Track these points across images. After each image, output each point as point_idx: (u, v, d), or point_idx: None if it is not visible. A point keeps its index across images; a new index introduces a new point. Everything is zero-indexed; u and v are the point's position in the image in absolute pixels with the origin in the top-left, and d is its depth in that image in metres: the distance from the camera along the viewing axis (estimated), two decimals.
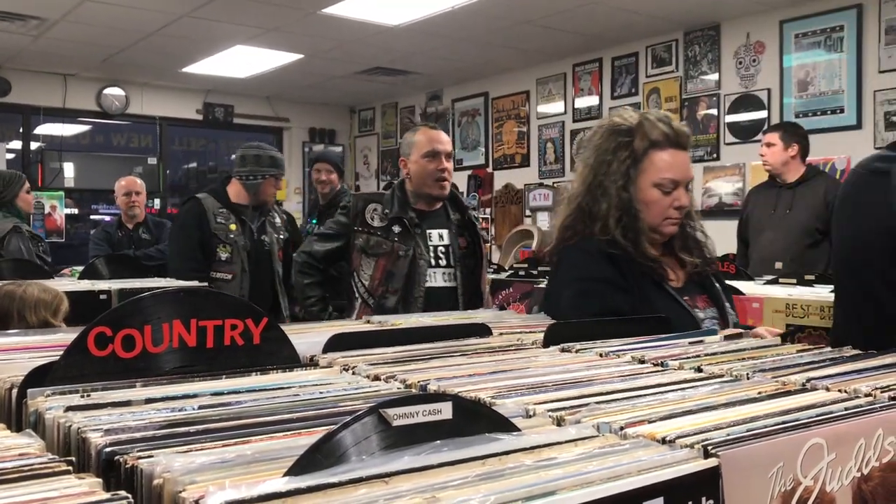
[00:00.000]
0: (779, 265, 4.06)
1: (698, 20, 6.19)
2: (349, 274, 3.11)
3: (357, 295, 3.05)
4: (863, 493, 0.74)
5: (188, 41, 6.76)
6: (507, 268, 4.34)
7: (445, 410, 0.63)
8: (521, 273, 3.68)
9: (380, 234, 3.00)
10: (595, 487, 0.54)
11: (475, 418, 0.65)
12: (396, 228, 2.99)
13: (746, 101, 6.07)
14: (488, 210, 8.25)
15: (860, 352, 1.19)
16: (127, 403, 0.80)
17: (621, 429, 0.72)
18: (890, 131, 5.23)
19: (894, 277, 1.94)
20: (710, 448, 0.64)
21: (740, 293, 2.59)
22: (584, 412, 0.78)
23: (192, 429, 0.70)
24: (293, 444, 0.64)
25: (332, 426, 0.72)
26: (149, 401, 0.81)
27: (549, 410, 0.79)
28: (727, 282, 2.71)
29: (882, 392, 0.89)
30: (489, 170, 8.38)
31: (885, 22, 5.28)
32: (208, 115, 9.04)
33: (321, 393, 0.88)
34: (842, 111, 5.49)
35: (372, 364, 1.06)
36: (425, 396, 0.63)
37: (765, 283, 2.95)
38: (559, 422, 0.76)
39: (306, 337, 1.19)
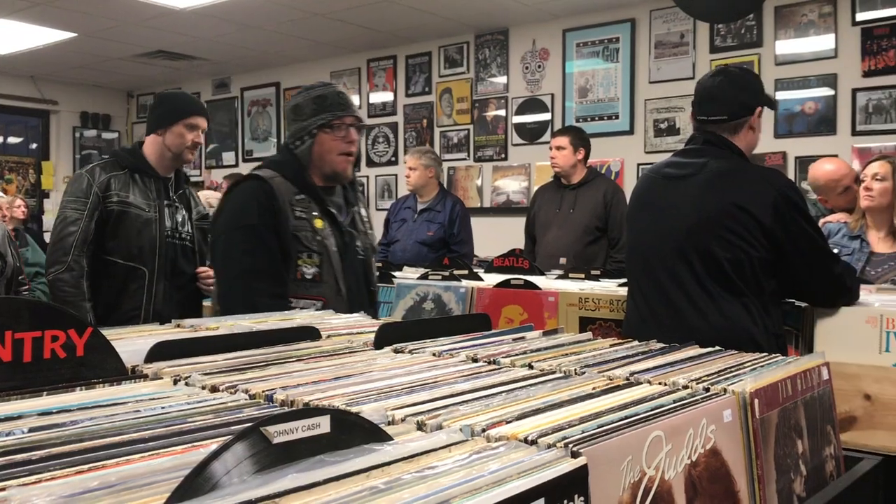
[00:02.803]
0: (563, 261, 4.32)
1: (488, 24, 6.45)
2: None
3: None
4: (692, 477, 0.81)
5: None
6: None
7: (324, 424, 0.62)
8: None
9: None
10: (486, 494, 0.56)
11: (351, 430, 0.65)
12: None
13: (532, 105, 6.41)
14: None
15: (664, 345, 1.31)
16: None
17: (483, 430, 0.74)
18: (658, 137, 5.74)
19: (682, 274, 2.15)
20: (573, 447, 0.68)
21: (537, 287, 2.74)
22: (443, 415, 0.79)
23: (32, 455, 0.63)
24: (158, 467, 0.60)
25: (191, 444, 0.69)
26: None
27: (408, 416, 0.80)
28: (526, 277, 2.86)
29: (697, 384, 0.98)
30: None
31: (655, 37, 5.79)
32: None
33: (163, 408, 0.82)
34: (617, 117, 5.96)
35: (206, 374, 1.01)
36: (303, 411, 0.61)
37: (556, 278, 3.13)
38: (421, 426, 0.77)
39: (123, 345, 1.12)
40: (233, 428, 0.73)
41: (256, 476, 0.57)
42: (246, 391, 0.92)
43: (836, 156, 4.72)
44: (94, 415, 0.78)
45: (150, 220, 2.94)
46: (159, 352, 1.12)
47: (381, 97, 7.36)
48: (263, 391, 0.91)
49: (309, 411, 0.61)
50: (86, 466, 0.61)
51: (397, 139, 7.27)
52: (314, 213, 2.30)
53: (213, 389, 0.94)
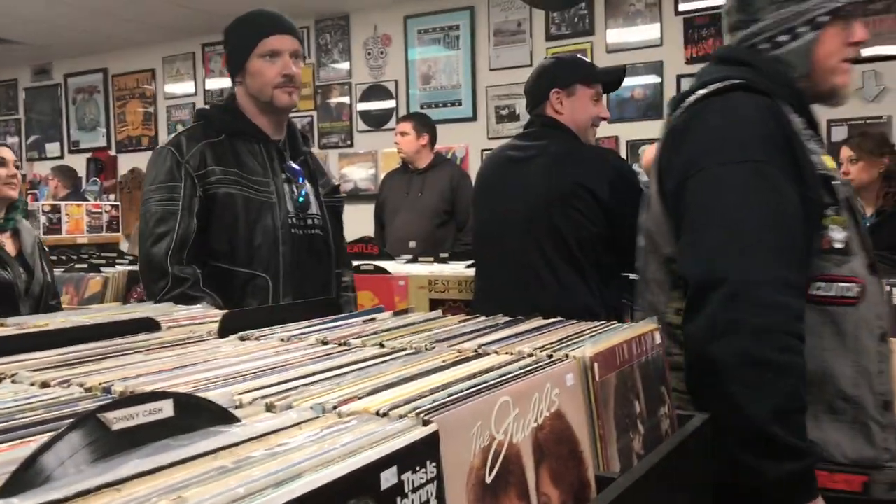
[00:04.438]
0: (412, 244, 4.37)
1: (328, 9, 6.37)
2: None
3: None
4: (538, 439, 0.85)
5: None
6: None
7: (167, 408, 0.60)
8: None
9: None
10: (338, 465, 0.55)
11: (196, 413, 0.63)
12: None
13: (376, 91, 6.40)
14: (112, 196, 7.68)
15: (510, 318, 1.35)
16: None
17: (334, 407, 0.74)
18: (500, 123, 5.89)
19: (527, 252, 2.22)
20: (424, 416, 0.68)
21: (387, 272, 2.75)
22: (293, 396, 0.78)
23: None
24: None
25: (20, 441, 0.64)
26: None
27: (257, 399, 0.78)
28: (376, 263, 2.86)
29: (541, 351, 1.02)
30: (112, 153, 7.80)
31: (494, 25, 5.92)
32: None
33: None
34: (460, 104, 6.06)
35: (35, 370, 0.94)
36: (144, 396, 0.59)
37: (406, 262, 3.16)
38: (270, 408, 0.76)
39: None
40: (67, 421, 0.69)
41: (95, 465, 0.54)
42: (81, 385, 0.87)
43: None
44: None
45: (266, 205, 2.06)
46: None
47: (218, 83, 7.13)
48: (100, 383, 0.86)
49: (150, 395, 0.59)
50: None
51: None
52: (821, 148, 1.48)
53: (44, 385, 0.88)
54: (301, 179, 2.15)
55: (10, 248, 2.74)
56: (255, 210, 2.03)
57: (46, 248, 3.01)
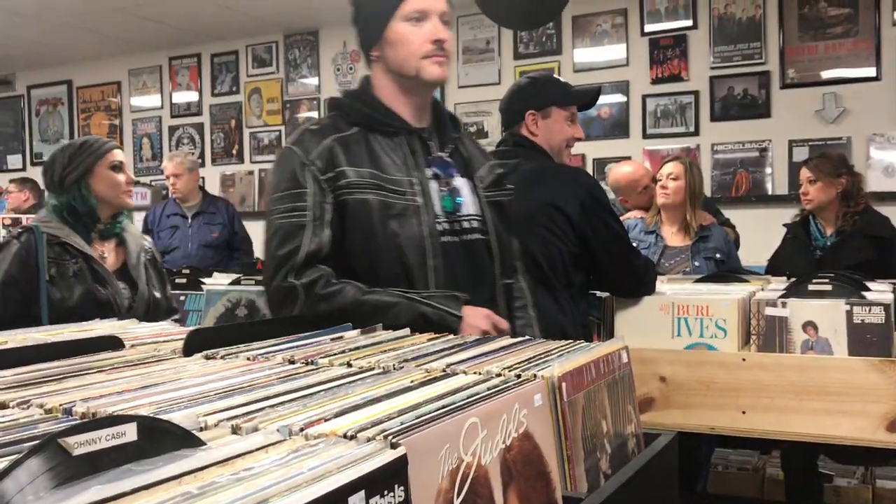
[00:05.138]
0: None
1: (297, 25, 6.36)
2: None
3: None
4: (507, 461, 0.84)
5: None
6: None
7: (130, 432, 0.58)
8: None
9: None
10: (305, 490, 0.55)
11: (159, 437, 0.62)
12: None
13: None
14: None
15: (478, 337, 1.35)
16: None
17: (301, 430, 0.73)
18: None
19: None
20: (392, 439, 0.68)
21: None
22: (259, 417, 0.77)
23: None
24: None
25: None
26: None
27: (222, 420, 0.77)
28: None
29: (509, 371, 1.02)
30: None
31: (462, 42, 5.96)
32: None
33: None
34: None
35: None
36: (106, 419, 0.57)
37: None
38: (236, 430, 0.75)
39: None
40: (27, 444, 0.67)
41: (55, 491, 0.53)
42: (41, 406, 0.85)
43: (629, 158, 5.08)
44: None
45: (411, 210, 1.68)
46: None
47: (185, 97, 7.07)
48: (61, 404, 0.85)
49: (112, 419, 0.58)
50: None
51: (203, 140, 7.00)
52: None
53: (2, 406, 0.86)
54: (453, 174, 1.77)
55: (112, 259, 2.47)
56: (395, 218, 1.66)
57: (158, 258, 2.71)
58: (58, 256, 2.36)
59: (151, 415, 0.80)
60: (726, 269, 3.09)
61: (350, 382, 0.96)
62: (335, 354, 1.16)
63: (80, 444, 0.54)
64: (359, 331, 1.41)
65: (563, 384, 0.99)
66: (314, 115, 6.51)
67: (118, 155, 2.52)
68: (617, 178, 4.10)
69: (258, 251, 5.21)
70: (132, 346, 1.29)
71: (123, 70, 7.31)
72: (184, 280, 3.06)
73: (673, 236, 3.52)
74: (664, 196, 3.51)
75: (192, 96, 7.03)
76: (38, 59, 7.36)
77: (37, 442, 0.54)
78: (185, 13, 5.96)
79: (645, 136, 5.50)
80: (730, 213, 4.24)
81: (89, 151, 2.47)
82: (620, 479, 1.05)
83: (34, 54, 7.20)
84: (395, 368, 1.06)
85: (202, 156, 6.98)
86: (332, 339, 1.32)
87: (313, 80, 6.50)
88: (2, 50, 7.00)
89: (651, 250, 3.45)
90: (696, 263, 3.36)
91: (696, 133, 5.38)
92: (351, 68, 6.37)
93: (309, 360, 1.13)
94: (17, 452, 0.65)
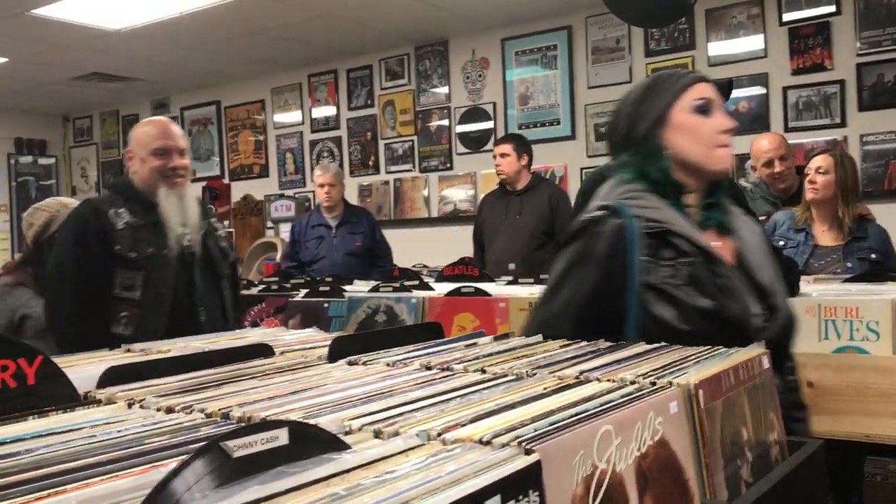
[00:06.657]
0: (512, 266, 4.38)
1: (427, 36, 6.49)
2: None
3: None
4: (642, 468, 0.84)
5: None
6: (256, 282, 4.26)
7: (282, 437, 0.63)
8: (274, 287, 3.63)
9: None
10: (443, 494, 0.57)
11: (309, 441, 0.66)
12: None
13: (475, 114, 6.47)
14: (226, 223, 8.02)
15: (612, 343, 1.34)
16: None
17: (439, 434, 0.76)
18: (599, 141, 5.84)
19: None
20: (526, 444, 0.70)
21: (487, 294, 2.77)
22: (399, 423, 0.81)
23: None
24: (119, 489, 0.60)
25: (150, 465, 0.69)
26: None
27: (365, 425, 0.81)
28: (476, 285, 2.88)
29: (644, 378, 1.01)
30: (225, 181, 8.15)
31: (592, 43, 5.90)
32: None
33: (119, 432, 0.82)
34: (558, 123, 6.05)
35: (160, 396, 1.01)
36: (261, 425, 0.63)
37: (506, 284, 3.17)
38: (378, 434, 0.79)
39: (74, 372, 1.11)
40: (191, 447, 0.74)
41: (218, 491, 0.58)
42: (202, 410, 0.92)
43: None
44: (49, 442, 0.78)
45: None
46: (111, 377, 1.11)
47: (323, 112, 7.35)
48: (220, 409, 0.92)
49: (267, 424, 0.62)
50: (45, 493, 0.61)
51: (342, 153, 7.26)
52: None
53: (169, 410, 0.94)
54: None
55: None
56: None
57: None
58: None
59: (300, 419, 0.85)
60: (880, 270, 2.91)
61: (484, 388, 0.99)
62: (469, 361, 1.19)
63: (239, 447, 0.60)
64: (492, 337, 1.44)
65: (700, 391, 0.98)
66: (445, 123, 6.61)
67: None
68: (752, 144, 4.03)
69: (427, 258, 5.42)
70: (281, 352, 1.37)
71: (266, 89, 7.68)
72: (327, 288, 3.20)
73: (824, 234, 3.33)
74: (812, 191, 3.32)
75: (330, 111, 7.31)
76: (190, 82, 7.86)
77: (202, 444, 0.59)
78: (323, 32, 6.21)
79: (787, 129, 5.26)
80: (883, 207, 3.99)
81: None
82: (762, 487, 1.02)
83: (186, 79, 7.70)
84: (528, 375, 1.08)
85: (341, 168, 7.24)
86: (466, 346, 1.35)
87: (444, 90, 6.61)
88: (159, 76, 7.52)
89: (800, 249, 3.28)
90: (849, 264, 3.17)
91: (843, 124, 5.09)
92: (480, 75, 6.43)
93: (445, 367, 1.16)
94: (185, 453, 0.71)
